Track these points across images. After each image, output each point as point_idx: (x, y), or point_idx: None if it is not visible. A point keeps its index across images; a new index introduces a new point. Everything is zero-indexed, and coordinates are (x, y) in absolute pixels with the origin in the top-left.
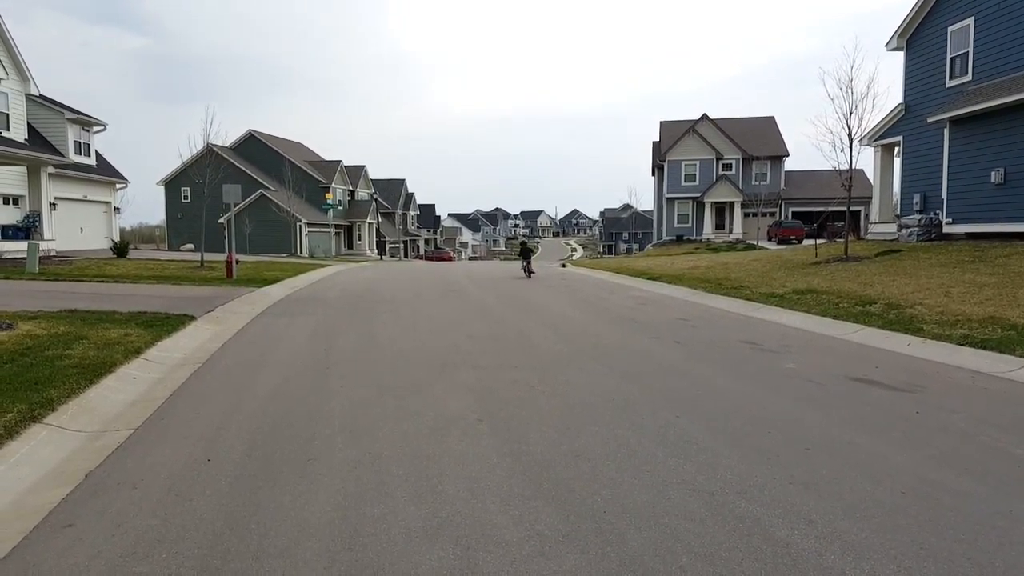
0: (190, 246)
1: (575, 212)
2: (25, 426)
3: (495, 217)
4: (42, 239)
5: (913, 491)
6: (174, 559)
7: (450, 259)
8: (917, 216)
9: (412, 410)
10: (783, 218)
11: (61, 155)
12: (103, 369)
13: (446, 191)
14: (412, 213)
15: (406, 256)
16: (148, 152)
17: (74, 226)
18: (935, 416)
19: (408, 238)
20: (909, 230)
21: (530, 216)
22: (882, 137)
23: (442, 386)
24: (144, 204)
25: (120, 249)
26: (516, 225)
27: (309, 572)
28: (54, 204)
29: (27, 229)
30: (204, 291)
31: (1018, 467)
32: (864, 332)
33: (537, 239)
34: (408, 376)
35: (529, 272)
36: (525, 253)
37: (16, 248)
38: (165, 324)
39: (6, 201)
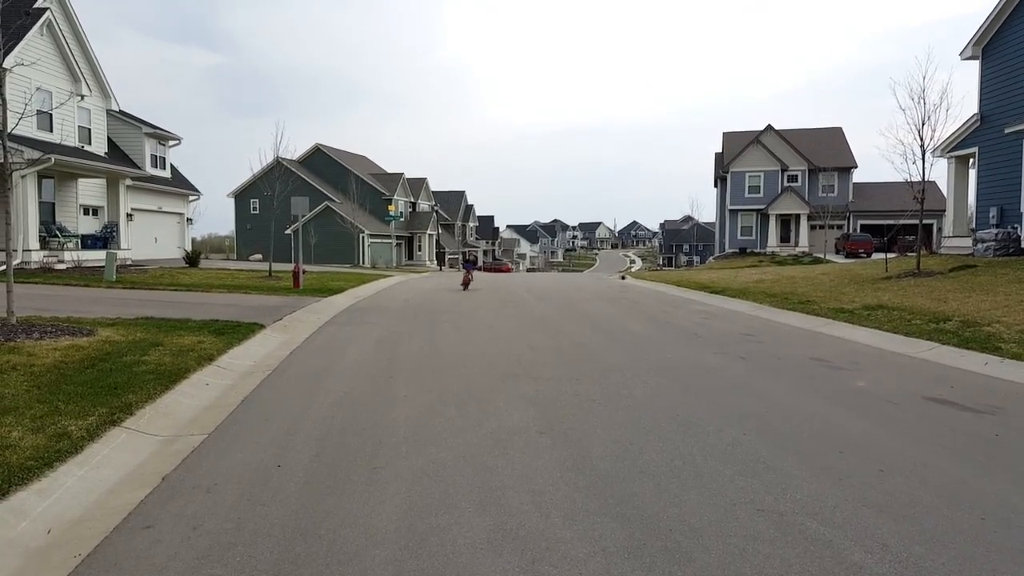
0: (258, 256)
1: (634, 224)
2: (105, 429)
3: (553, 229)
4: (119, 248)
5: (993, 516)
6: (248, 563)
7: (508, 271)
8: (994, 230)
9: (474, 420)
10: (851, 231)
11: (138, 168)
12: (178, 375)
13: (505, 202)
14: (471, 224)
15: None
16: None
17: (148, 236)
18: (1015, 439)
19: (467, 249)
20: (985, 244)
21: (588, 227)
22: (956, 148)
23: (504, 397)
24: (214, 214)
25: (192, 259)
26: (574, 237)
27: (379, 574)
28: (130, 215)
29: (105, 239)
30: (272, 300)
31: None
32: (938, 350)
33: (596, 251)
34: (470, 386)
35: (466, 284)
36: (467, 266)
37: (95, 257)
38: (236, 332)
39: (86, 212)
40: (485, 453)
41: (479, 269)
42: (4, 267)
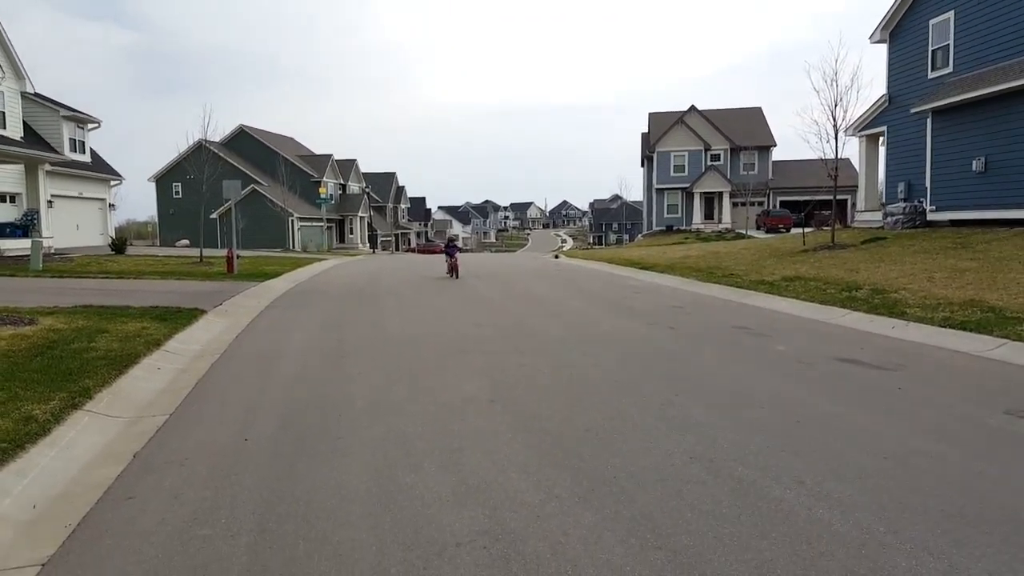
0: (185, 241)
1: (565, 204)
2: (68, 413)
3: (485, 210)
4: (41, 236)
5: (895, 456)
6: (233, 523)
7: (442, 251)
8: (902, 204)
9: (427, 392)
10: (771, 207)
11: (57, 153)
12: (128, 360)
13: (436, 184)
14: (403, 206)
15: (398, 249)
16: (136, 148)
17: (70, 223)
18: (916, 391)
19: (399, 231)
20: (894, 218)
21: (520, 208)
22: (867, 127)
23: (454, 371)
24: (133, 200)
25: (118, 246)
26: (506, 217)
27: (355, 530)
28: (51, 202)
29: (25, 227)
30: (208, 286)
31: (990, 435)
32: (850, 316)
33: (527, 231)
34: (420, 362)
35: (455, 271)
36: (450, 250)
37: (16, 246)
38: (178, 318)
39: (3, 199)
40: (441, 420)
41: (460, 251)
42: None
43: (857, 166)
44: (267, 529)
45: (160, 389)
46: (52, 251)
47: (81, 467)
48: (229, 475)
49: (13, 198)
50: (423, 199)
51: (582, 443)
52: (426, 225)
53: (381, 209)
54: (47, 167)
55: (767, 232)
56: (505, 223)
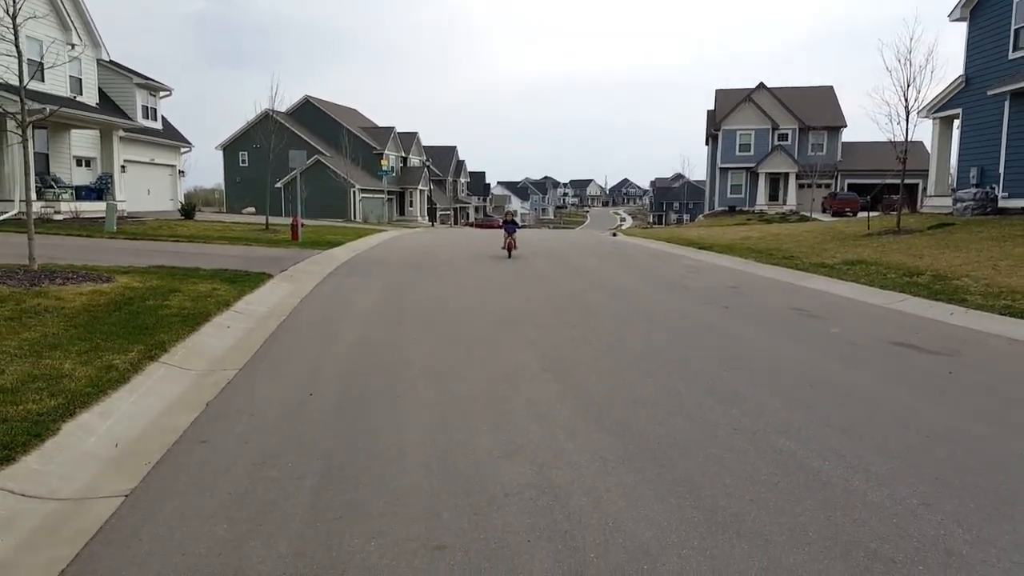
0: (251, 209)
1: (625, 181)
2: (145, 364)
3: (544, 186)
4: (115, 200)
5: (937, 436)
6: (299, 466)
7: (500, 227)
8: (973, 190)
9: (482, 360)
10: (838, 190)
11: (130, 119)
12: (200, 318)
13: (496, 159)
14: (463, 181)
15: (456, 223)
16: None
17: (141, 188)
18: (967, 376)
19: (458, 205)
20: (964, 204)
21: (579, 185)
22: (941, 109)
23: (507, 340)
24: (198, 167)
25: (187, 211)
26: (565, 194)
27: (411, 478)
28: (124, 167)
29: (100, 190)
30: (273, 252)
31: None
32: (909, 302)
33: (586, 208)
34: (475, 331)
35: (510, 250)
36: (508, 227)
37: (91, 208)
38: (246, 281)
39: (79, 163)
40: (494, 386)
41: (518, 228)
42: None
43: (929, 149)
44: (330, 472)
45: (230, 346)
46: (125, 214)
47: (158, 413)
48: (295, 425)
49: (88, 162)
50: (483, 173)
51: (629, 412)
52: (485, 200)
53: (441, 183)
54: (121, 133)
55: (833, 215)
56: (564, 200)
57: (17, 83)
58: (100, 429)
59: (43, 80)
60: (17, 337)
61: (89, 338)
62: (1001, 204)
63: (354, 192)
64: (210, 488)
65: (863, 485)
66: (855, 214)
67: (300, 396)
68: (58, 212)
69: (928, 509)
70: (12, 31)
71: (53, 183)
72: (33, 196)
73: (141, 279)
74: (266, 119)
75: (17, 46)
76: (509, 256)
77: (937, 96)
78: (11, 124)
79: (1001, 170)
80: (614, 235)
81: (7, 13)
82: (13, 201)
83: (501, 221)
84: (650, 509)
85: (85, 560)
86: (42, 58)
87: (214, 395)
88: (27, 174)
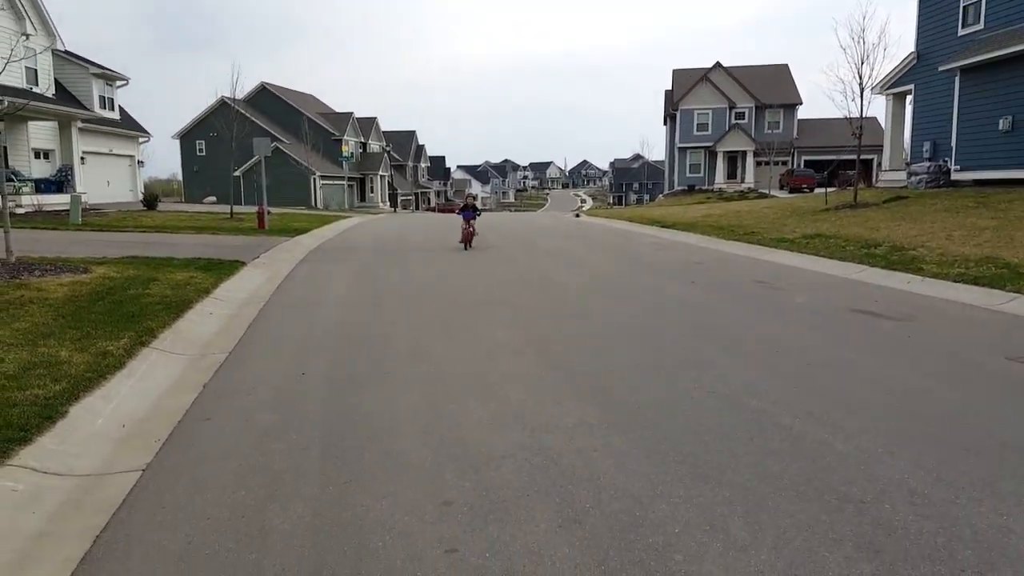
0: (212, 198)
1: (584, 163)
2: (138, 349)
3: (504, 169)
4: (74, 192)
5: (897, 393)
6: (301, 439)
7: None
8: (926, 163)
9: (462, 338)
10: (796, 167)
11: (88, 110)
12: (183, 305)
13: (456, 143)
14: (423, 165)
15: (417, 208)
16: (156, 104)
17: (101, 179)
18: (923, 339)
19: (419, 190)
20: (918, 177)
21: (539, 167)
22: (894, 86)
23: (485, 319)
24: (153, 158)
25: (150, 202)
26: (525, 177)
27: (411, 444)
28: (83, 158)
29: (60, 183)
30: (242, 240)
31: (988, 377)
32: (867, 272)
33: (547, 190)
34: (452, 311)
35: (469, 242)
36: (467, 214)
37: (52, 201)
38: (220, 268)
39: (38, 155)
40: (478, 361)
41: (478, 214)
42: None
43: (883, 125)
44: (333, 444)
45: (215, 331)
46: (87, 206)
47: (158, 395)
48: (293, 401)
49: (47, 155)
50: (443, 158)
51: (609, 380)
52: (445, 184)
53: (401, 168)
54: (79, 124)
55: (790, 192)
56: (524, 183)
57: None
58: (106, 411)
59: None
60: (9, 327)
61: (78, 327)
62: (954, 177)
63: (315, 179)
64: (222, 460)
65: (831, 437)
66: (812, 190)
67: (293, 375)
68: (19, 206)
69: (892, 456)
70: None
71: (12, 176)
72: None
73: (118, 269)
74: (223, 107)
75: None
76: (466, 248)
77: (890, 73)
78: None
79: (953, 144)
80: (577, 216)
81: None
82: None
83: (460, 207)
84: (638, 465)
85: (116, 527)
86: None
87: (209, 377)
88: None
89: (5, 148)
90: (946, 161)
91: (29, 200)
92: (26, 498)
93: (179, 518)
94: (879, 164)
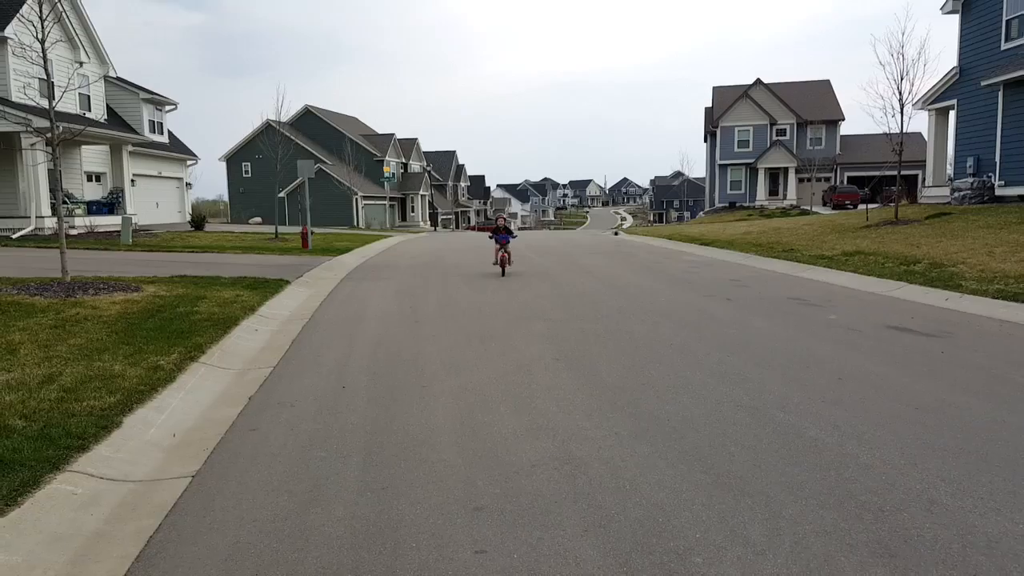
0: (257, 219)
1: (624, 181)
2: (187, 364)
3: (544, 187)
4: (125, 213)
5: (926, 408)
6: (343, 446)
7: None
8: (969, 179)
9: (498, 352)
10: (838, 183)
11: (138, 134)
12: (229, 322)
13: (495, 162)
14: (463, 184)
15: (457, 227)
16: (203, 127)
17: (150, 201)
18: (958, 355)
19: (459, 209)
20: (961, 193)
21: (579, 185)
22: (936, 101)
23: (520, 335)
24: (200, 179)
25: (198, 223)
26: (565, 195)
27: (446, 454)
28: (133, 181)
29: (111, 204)
30: (287, 260)
31: (1020, 391)
32: (905, 289)
33: (586, 209)
34: (488, 327)
35: (503, 266)
36: (501, 236)
37: (104, 222)
38: (266, 287)
39: (90, 178)
40: (512, 374)
41: (512, 236)
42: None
43: (926, 140)
44: (372, 452)
45: (260, 347)
46: (137, 227)
47: (206, 407)
48: (334, 413)
49: (99, 177)
50: (482, 177)
51: (639, 394)
52: (485, 203)
53: (441, 187)
54: (130, 148)
55: (833, 208)
56: (564, 201)
57: (33, 104)
58: (157, 421)
59: (52, 98)
60: (66, 343)
61: (131, 342)
62: (998, 192)
63: (357, 199)
64: (267, 467)
65: (855, 449)
66: (856, 207)
67: (334, 389)
68: (73, 227)
69: (914, 467)
70: (42, 56)
71: (67, 199)
72: (49, 212)
73: (167, 288)
74: (268, 130)
75: (47, 71)
76: (503, 274)
77: (931, 88)
78: (26, 142)
79: (997, 159)
80: (616, 234)
81: (37, 39)
82: (29, 218)
83: (491, 229)
84: (663, 475)
85: (168, 529)
86: (52, 76)
87: (254, 390)
88: (56, 190)
89: (60, 172)
90: (990, 176)
91: (82, 222)
92: (85, 501)
93: (227, 520)
94: (922, 180)
